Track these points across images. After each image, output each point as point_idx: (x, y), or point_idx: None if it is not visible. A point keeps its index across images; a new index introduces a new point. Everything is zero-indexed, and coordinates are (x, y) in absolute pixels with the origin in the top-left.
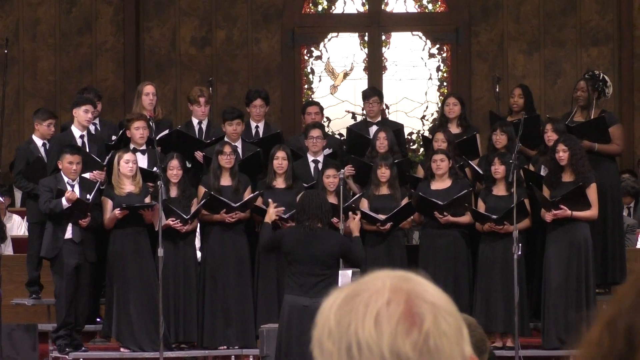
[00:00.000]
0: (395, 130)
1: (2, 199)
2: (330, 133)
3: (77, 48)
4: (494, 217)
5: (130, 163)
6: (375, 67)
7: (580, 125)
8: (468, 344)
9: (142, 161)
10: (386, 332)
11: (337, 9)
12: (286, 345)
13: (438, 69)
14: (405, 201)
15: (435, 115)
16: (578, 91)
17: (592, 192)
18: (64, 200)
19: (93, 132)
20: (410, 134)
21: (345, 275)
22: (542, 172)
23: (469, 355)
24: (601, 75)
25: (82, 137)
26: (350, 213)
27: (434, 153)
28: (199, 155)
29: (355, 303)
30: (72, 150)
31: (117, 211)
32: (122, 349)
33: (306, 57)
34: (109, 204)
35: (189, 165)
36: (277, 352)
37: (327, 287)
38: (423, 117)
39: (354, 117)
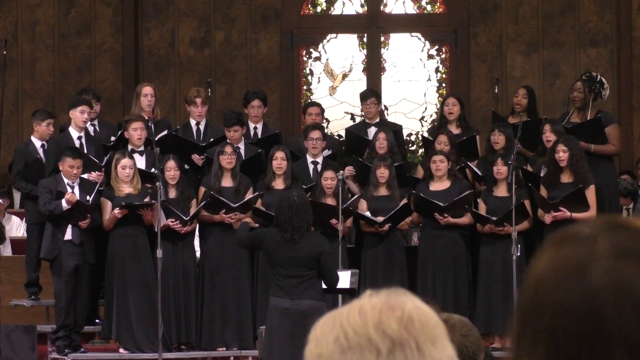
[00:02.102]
0: (394, 131)
1: (1, 201)
2: (330, 134)
3: (75, 49)
4: (494, 218)
5: (127, 169)
6: (374, 68)
7: (576, 126)
8: (449, 341)
9: (141, 162)
10: (370, 317)
11: (336, 10)
12: (270, 347)
13: (437, 70)
14: (403, 202)
15: (434, 116)
16: (574, 92)
17: (590, 193)
18: (64, 202)
19: (92, 133)
20: (409, 135)
21: (344, 275)
22: (542, 174)
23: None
24: (598, 77)
25: (80, 138)
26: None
27: (434, 154)
28: (196, 158)
29: (338, 312)
30: (74, 154)
31: (116, 211)
32: (121, 350)
33: (305, 58)
34: (108, 205)
35: (186, 167)
36: (264, 354)
37: (309, 288)
38: (422, 118)
39: (352, 118)
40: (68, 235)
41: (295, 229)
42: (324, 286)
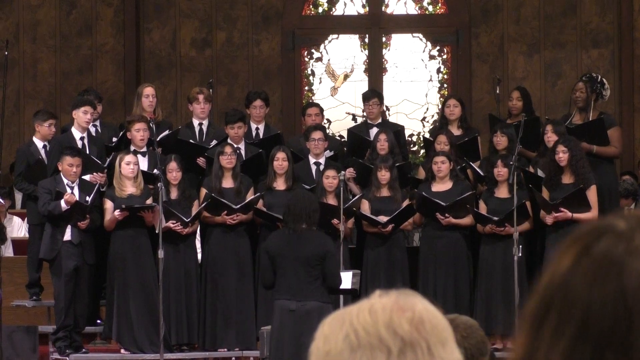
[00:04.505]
0: (395, 131)
1: (2, 201)
2: (331, 135)
3: (77, 50)
4: (495, 218)
5: (132, 165)
6: (375, 68)
7: (578, 127)
8: (455, 344)
9: (143, 163)
10: (381, 317)
11: (338, 10)
12: (278, 350)
13: (438, 71)
14: (406, 203)
15: (436, 117)
16: (577, 92)
17: (592, 193)
18: (62, 203)
19: (94, 133)
20: (411, 135)
21: (345, 276)
22: (541, 174)
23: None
24: (599, 78)
25: (82, 138)
26: None
27: (435, 155)
28: (201, 161)
29: (347, 310)
30: (73, 153)
31: (117, 213)
32: (122, 351)
33: (306, 59)
34: (109, 205)
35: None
36: (271, 355)
37: (315, 290)
38: (423, 118)
39: (354, 118)
40: (67, 236)
41: (301, 221)
42: None
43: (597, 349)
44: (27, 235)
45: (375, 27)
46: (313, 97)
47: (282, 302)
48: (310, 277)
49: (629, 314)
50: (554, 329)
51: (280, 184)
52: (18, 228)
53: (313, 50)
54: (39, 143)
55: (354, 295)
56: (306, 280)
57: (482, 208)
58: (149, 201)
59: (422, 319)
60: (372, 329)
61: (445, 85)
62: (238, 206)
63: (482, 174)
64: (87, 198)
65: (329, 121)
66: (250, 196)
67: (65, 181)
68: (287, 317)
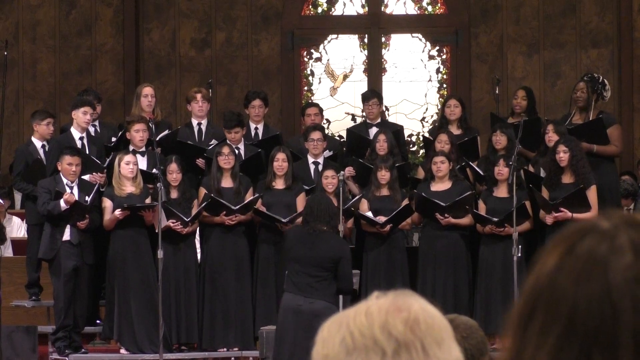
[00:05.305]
0: (394, 131)
1: (1, 201)
2: (330, 135)
3: (76, 50)
4: (495, 219)
5: (131, 165)
6: (374, 69)
7: (578, 127)
8: (455, 343)
9: (142, 163)
10: (376, 319)
11: (337, 10)
12: (281, 343)
13: (438, 71)
14: (405, 202)
15: (435, 117)
16: (578, 92)
17: (592, 193)
18: (62, 202)
19: (93, 134)
20: (410, 135)
21: None
22: (542, 174)
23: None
24: (600, 78)
25: (81, 138)
26: None
27: (435, 155)
28: (201, 162)
29: (345, 313)
30: (72, 152)
31: (117, 212)
32: (122, 351)
33: (306, 59)
34: (108, 204)
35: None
36: (274, 350)
37: (323, 289)
38: (423, 118)
39: (353, 119)
40: (66, 236)
41: (322, 222)
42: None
43: (584, 347)
44: (26, 235)
45: (374, 27)
46: (312, 97)
47: (289, 296)
48: (320, 277)
49: (615, 312)
50: (540, 328)
51: (279, 184)
52: (17, 228)
53: (312, 51)
54: (37, 143)
55: (353, 296)
56: (315, 280)
57: (482, 207)
58: (148, 200)
59: (418, 319)
60: (368, 331)
61: (444, 86)
62: (237, 207)
63: (481, 173)
64: (87, 198)
65: (328, 121)
66: (249, 196)
67: (65, 181)
68: (293, 312)
